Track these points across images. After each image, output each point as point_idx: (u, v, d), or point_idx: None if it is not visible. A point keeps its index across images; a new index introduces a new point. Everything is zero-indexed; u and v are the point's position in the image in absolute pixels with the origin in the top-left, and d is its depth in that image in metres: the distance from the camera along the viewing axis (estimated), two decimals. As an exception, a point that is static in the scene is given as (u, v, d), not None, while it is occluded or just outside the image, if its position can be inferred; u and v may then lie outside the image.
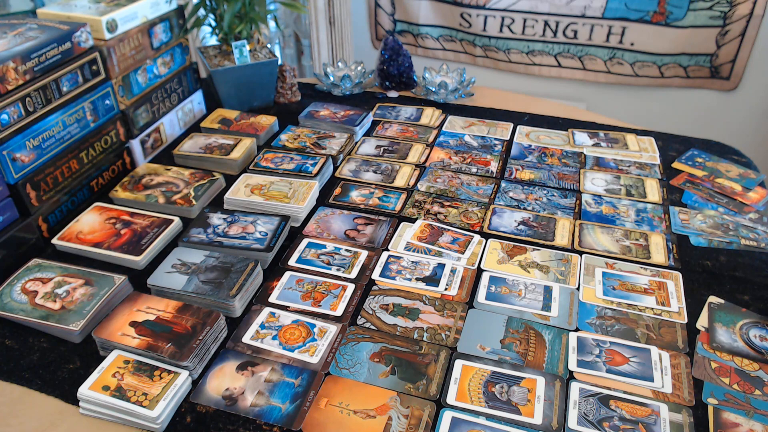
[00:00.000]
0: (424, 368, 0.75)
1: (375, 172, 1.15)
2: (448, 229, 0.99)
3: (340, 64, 1.49)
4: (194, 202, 1.03)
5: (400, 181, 1.12)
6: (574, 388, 0.72)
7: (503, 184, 1.11)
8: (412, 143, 1.25)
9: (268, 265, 0.92)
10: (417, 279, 0.89)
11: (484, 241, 0.96)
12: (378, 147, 1.24)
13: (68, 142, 1.00)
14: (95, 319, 0.80)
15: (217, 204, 1.07)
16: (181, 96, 1.28)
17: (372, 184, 1.12)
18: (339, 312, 0.83)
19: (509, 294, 0.86)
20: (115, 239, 0.95)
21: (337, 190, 1.10)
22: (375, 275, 0.90)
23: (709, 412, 0.69)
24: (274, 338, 0.79)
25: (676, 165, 1.17)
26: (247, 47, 1.29)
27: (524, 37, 2.14)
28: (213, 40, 1.41)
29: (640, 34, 1.98)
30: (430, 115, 1.36)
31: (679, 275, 0.89)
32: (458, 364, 0.75)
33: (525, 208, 1.04)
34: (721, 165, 1.15)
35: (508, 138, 1.27)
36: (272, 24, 1.99)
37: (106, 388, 0.70)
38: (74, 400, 0.71)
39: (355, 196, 1.08)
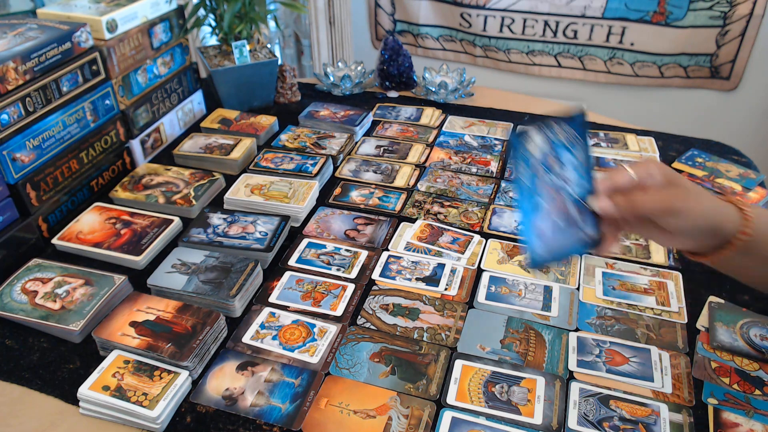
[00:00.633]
0: (424, 368, 0.75)
1: (375, 172, 1.15)
2: (448, 229, 0.99)
3: (340, 64, 1.49)
4: (194, 202, 1.03)
5: (400, 181, 1.12)
6: (574, 388, 0.72)
7: (503, 184, 1.11)
8: (412, 143, 1.25)
9: (268, 265, 0.92)
10: (417, 279, 0.89)
11: (484, 241, 0.96)
12: (378, 147, 1.24)
13: (68, 142, 1.00)
14: (95, 319, 0.80)
15: (217, 204, 1.07)
16: (181, 96, 1.28)
17: (372, 184, 1.12)
18: (339, 312, 0.83)
19: (509, 294, 0.86)
20: (115, 239, 0.95)
21: (337, 190, 1.10)
22: (375, 275, 0.90)
23: (709, 412, 0.69)
24: (274, 338, 0.79)
25: (676, 165, 1.17)
26: (247, 47, 1.29)
27: (524, 37, 2.14)
28: (213, 40, 1.41)
29: (640, 34, 1.98)
30: (430, 115, 1.36)
31: (679, 275, 0.89)
32: (458, 364, 0.75)
33: (525, 208, 1.04)
34: (721, 165, 1.15)
35: (508, 138, 1.27)
36: (272, 24, 1.99)
37: (106, 388, 0.70)
38: (74, 400, 0.71)
39: (355, 196, 1.08)
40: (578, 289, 0.87)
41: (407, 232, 0.98)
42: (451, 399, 0.71)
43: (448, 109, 1.40)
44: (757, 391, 0.71)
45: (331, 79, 1.47)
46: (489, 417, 0.68)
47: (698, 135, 1.28)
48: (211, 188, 1.07)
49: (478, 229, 1.00)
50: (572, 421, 0.68)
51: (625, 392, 0.71)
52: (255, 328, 0.80)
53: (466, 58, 2.30)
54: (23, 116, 0.91)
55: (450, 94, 1.43)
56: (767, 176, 1.13)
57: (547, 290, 0.86)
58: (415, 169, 1.16)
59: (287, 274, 0.90)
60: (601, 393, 0.71)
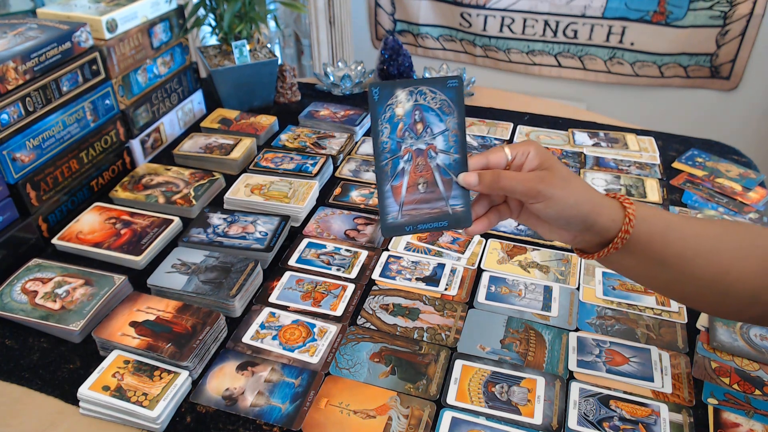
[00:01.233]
0: (424, 368, 0.75)
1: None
2: (448, 229, 0.99)
3: (340, 63, 1.49)
4: (194, 202, 1.03)
5: (400, 181, 1.12)
6: (574, 388, 0.72)
7: (503, 184, 1.11)
8: (412, 143, 1.25)
9: (268, 265, 0.92)
10: (417, 279, 0.89)
11: (484, 241, 0.96)
12: (378, 147, 1.23)
13: (68, 142, 1.00)
14: (95, 319, 0.80)
15: (217, 204, 1.07)
16: (181, 96, 1.28)
17: (372, 184, 1.12)
18: (339, 312, 0.83)
19: (509, 294, 0.86)
20: (115, 239, 0.95)
21: (337, 190, 1.10)
22: (375, 275, 0.90)
23: (709, 412, 0.69)
24: (274, 338, 0.79)
25: (676, 165, 1.17)
26: (247, 47, 1.29)
27: (524, 37, 2.14)
28: (213, 40, 1.41)
29: (640, 33, 1.98)
30: (430, 115, 1.35)
31: (679, 275, 0.89)
32: (458, 364, 0.75)
33: (525, 208, 1.04)
34: (721, 165, 1.15)
35: (508, 138, 1.27)
36: (272, 24, 1.99)
37: (106, 388, 0.70)
38: (74, 400, 0.71)
39: (355, 196, 1.08)
40: (578, 289, 0.87)
41: (407, 232, 0.98)
42: (451, 399, 0.71)
43: (448, 108, 1.40)
44: (757, 391, 0.71)
45: (331, 78, 1.47)
46: (489, 417, 0.68)
47: (698, 135, 1.28)
48: (211, 188, 1.07)
49: (478, 229, 0.99)
50: (572, 421, 0.68)
51: (625, 392, 0.71)
52: (255, 328, 0.80)
53: (466, 58, 2.30)
54: (23, 116, 0.91)
55: (450, 94, 1.42)
56: (767, 176, 1.13)
57: (547, 290, 0.86)
58: (415, 169, 1.16)
59: (287, 274, 0.90)
60: (601, 393, 0.71)
